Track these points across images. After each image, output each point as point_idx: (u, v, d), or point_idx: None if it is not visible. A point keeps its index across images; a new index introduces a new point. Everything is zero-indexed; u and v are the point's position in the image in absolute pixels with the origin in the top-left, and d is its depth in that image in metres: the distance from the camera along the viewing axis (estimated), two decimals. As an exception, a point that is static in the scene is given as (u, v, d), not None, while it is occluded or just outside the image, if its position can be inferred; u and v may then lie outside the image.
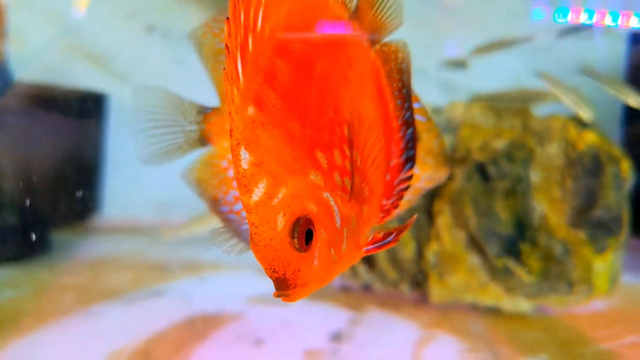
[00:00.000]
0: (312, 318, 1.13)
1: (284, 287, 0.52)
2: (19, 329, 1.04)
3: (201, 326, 1.06)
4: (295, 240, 0.52)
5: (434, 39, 2.00)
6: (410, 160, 0.68)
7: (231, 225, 0.79)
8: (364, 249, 0.63)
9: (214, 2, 2.00)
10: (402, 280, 1.24)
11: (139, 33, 2.04)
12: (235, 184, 0.71)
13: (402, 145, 0.68)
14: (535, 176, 1.27)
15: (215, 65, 0.78)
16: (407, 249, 1.23)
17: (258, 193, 0.52)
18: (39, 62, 1.90)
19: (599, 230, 1.23)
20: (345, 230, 0.58)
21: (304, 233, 0.53)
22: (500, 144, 1.29)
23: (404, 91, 0.70)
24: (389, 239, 0.64)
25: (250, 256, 1.01)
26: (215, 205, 0.80)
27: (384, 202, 0.67)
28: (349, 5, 0.68)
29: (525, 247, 1.17)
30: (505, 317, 1.18)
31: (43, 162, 1.13)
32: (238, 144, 0.53)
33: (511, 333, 1.09)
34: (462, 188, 1.21)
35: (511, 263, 1.15)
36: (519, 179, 1.23)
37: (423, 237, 1.24)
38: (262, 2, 0.55)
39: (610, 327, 1.14)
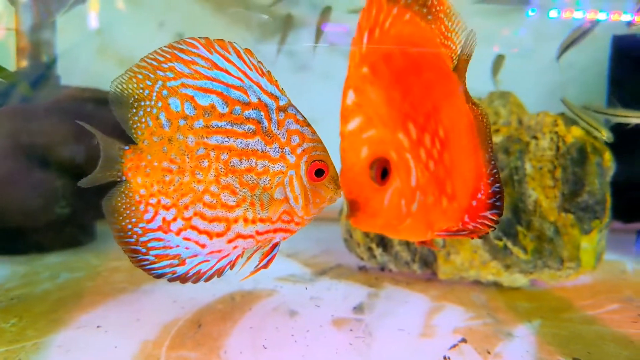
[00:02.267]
0: (336, 294, 1.25)
1: (355, 208, 0.64)
2: (82, 305, 1.16)
3: (241, 301, 1.18)
4: (373, 171, 0.65)
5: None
6: (496, 208, 0.79)
7: (135, 256, 0.89)
8: (436, 232, 0.74)
9: (240, 14, 2.12)
10: (414, 260, 1.37)
11: (169, 41, 2.15)
12: (148, 215, 0.84)
13: (490, 190, 0.79)
14: (529, 166, 1.38)
15: (130, 111, 0.87)
16: (416, 232, 1.35)
17: (353, 124, 0.66)
18: (75, 68, 2.02)
19: (586, 213, 1.35)
20: (419, 194, 0.69)
21: (380, 169, 0.65)
22: (498, 139, 1.40)
23: (490, 149, 0.81)
24: (461, 232, 0.76)
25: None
26: (122, 235, 0.89)
27: (466, 218, 0.77)
28: (453, 61, 0.80)
29: (521, 229, 1.29)
30: (505, 290, 1.31)
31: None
32: (348, 87, 0.67)
33: (509, 303, 1.21)
34: (464, 178, 1.32)
35: (509, 243, 1.28)
36: (516, 169, 1.35)
37: (430, 222, 1.36)
38: (391, 14, 0.69)
39: (595, 297, 1.26)
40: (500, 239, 1.28)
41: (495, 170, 0.79)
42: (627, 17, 1.92)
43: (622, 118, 1.58)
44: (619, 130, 1.78)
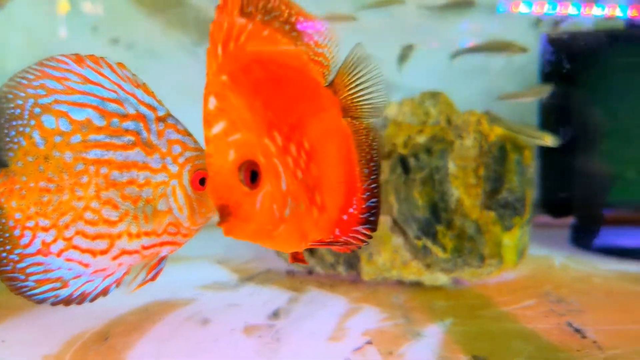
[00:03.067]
0: (257, 300, 1.24)
1: (227, 214, 0.61)
2: (-8, 320, 1.13)
3: (155, 311, 1.16)
4: (242, 174, 0.62)
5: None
6: (370, 223, 0.78)
7: (14, 284, 0.86)
8: (309, 243, 0.73)
9: (176, 15, 2.10)
10: (339, 263, 1.36)
11: (104, 45, 2.10)
12: (24, 240, 0.81)
13: (364, 205, 0.79)
14: (452, 165, 1.39)
15: (2, 132, 0.84)
16: (341, 234, 1.35)
17: (217, 129, 0.63)
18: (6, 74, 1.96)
19: (506, 210, 1.37)
20: (290, 200, 0.67)
21: (249, 171, 0.63)
22: (422, 139, 1.41)
23: (372, 164, 0.80)
24: (334, 243, 0.75)
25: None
26: None
27: (337, 231, 0.77)
28: (325, 77, 0.79)
29: (440, 228, 1.30)
30: (426, 289, 1.31)
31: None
32: (209, 94, 0.64)
33: (427, 303, 1.22)
34: (387, 179, 1.33)
35: (428, 243, 1.28)
36: (437, 169, 1.36)
37: (355, 224, 1.36)
38: (246, 30, 0.68)
39: (514, 293, 1.27)
40: (420, 239, 1.28)
41: (374, 186, 0.79)
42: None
43: (521, 98, 1.63)
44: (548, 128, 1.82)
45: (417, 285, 1.33)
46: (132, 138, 0.82)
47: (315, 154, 0.71)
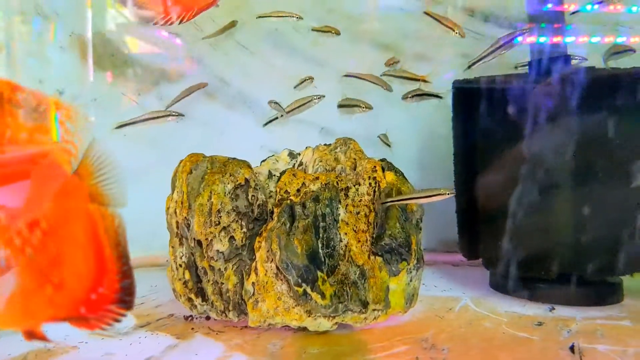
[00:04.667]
0: (136, 349, 1.22)
1: None
2: None
3: (30, 359, 1.16)
4: None
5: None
6: (124, 302, 0.81)
7: None
8: (44, 319, 0.74)
9: (119, 69, 2.17)
10: (229, 309, 1.36)
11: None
12: None
13: (117, 285, 0.81)
14: (343, 212, 1.39)
15: None
16: (230, 282, 1.35)
17: None
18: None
19: (392, 256, 1.36)
20: (13, 276, 0.68)
21: None
22: (315, 186, 1.42)
23: (120, 247, 0.84)
24: (75, 319, 0.77)
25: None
26: None
27: (83, 310, 0.79)
28: (72, 163, 0.82)
29: (321, 275, 1.29)
30: (310, 335, 1.29)
31: None
32: None
33: (301, 349, 1.20)
34: (273, 227, 1.33)
35: (308, 289, 1.27)
36: (323, 216, 1.36)
37: (246, 271, 1.36)
38: None
39: (392, 339, 1.25)
40: (300, 286, 1.28)
41: (125, 268, 0.81)
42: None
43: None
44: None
45: (303, 330, 1.31)
46: None
47: (54, 233, 0.72)
